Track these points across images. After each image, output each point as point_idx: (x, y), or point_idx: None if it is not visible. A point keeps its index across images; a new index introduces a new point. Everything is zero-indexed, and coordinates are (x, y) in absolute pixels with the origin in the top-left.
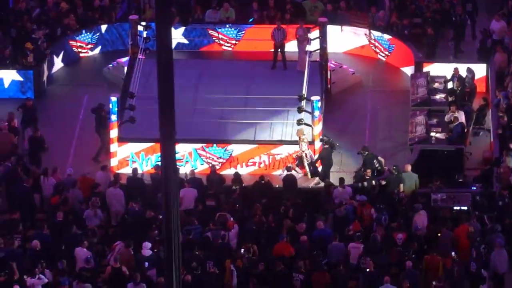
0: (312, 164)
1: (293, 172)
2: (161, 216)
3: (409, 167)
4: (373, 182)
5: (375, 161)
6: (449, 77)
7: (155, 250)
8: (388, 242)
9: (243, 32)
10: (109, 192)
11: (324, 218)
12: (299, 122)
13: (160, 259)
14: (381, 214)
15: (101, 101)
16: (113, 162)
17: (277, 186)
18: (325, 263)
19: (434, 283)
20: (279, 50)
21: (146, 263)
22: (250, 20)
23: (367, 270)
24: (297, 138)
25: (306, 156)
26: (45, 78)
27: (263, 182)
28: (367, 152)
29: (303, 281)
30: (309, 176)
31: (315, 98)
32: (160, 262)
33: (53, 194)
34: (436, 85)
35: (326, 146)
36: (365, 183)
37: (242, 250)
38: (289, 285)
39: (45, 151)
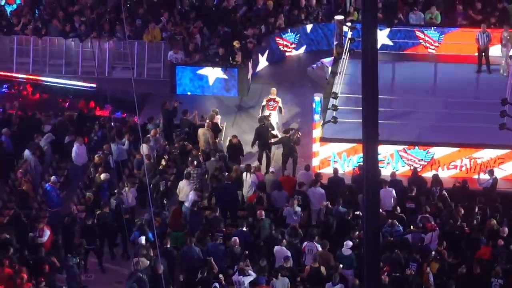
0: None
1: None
2: (359, 213)
3: None
4: None
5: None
6: None
7: (355, 251)
8: None
9: (447, 34)
10: (311, 191)
11: None
12: (502, 127)
13: (356, 260)
14: None
15: (306, 98)
16: (315, 161)
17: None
18: None
19: None
20: (483, 53)
21: (341, 264)
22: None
23: None
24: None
25: None
26: (249, 76)
27: (467, 185)
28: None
29: (502, 286)
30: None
31: None
32: (357, 262)
33: (254, 192)
34: None
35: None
36: None
37: (441, 253)
38: None
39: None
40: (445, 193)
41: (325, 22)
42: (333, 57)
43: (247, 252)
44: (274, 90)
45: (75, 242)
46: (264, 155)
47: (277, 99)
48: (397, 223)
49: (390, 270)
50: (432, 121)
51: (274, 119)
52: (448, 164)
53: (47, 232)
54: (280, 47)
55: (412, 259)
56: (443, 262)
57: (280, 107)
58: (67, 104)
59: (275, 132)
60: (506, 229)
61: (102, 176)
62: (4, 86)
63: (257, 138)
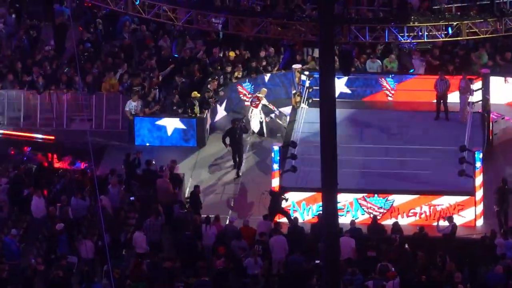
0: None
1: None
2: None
3: None
4: None
5: None
6: None
7: None
8: None
9: (405, 82)
10: (272, 240)
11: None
12: (461, 173)
13: None
14: None
15: (265, 147)
16: None
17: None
18: None
19: None
20: (441, 100)
21: None
22: (411, 70)
23: None
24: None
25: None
26: (208, 126)
27: (425, 232)
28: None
29: None
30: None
31: (477, 149)
32: None
33: (215, 243)
34: None
35: None
36: None
37: None
38: None
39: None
40: (406, 242)
41: (283, 71)
42: (291, 106)
43: None
44: (264, 90)
45: None
46: (237, 157)
47: (261, 97)
48: (358, 271)
49: None
50: (391, 169)
51: (257, 115)
52: (407, 211)
53: None
54: (240, 95)
55: None
56: None
57: (264, 104)
58: (25, 157)
59: (264, 122)
60: (460, 275)
61: (57, 226)
62: None
63: (227, 136)
